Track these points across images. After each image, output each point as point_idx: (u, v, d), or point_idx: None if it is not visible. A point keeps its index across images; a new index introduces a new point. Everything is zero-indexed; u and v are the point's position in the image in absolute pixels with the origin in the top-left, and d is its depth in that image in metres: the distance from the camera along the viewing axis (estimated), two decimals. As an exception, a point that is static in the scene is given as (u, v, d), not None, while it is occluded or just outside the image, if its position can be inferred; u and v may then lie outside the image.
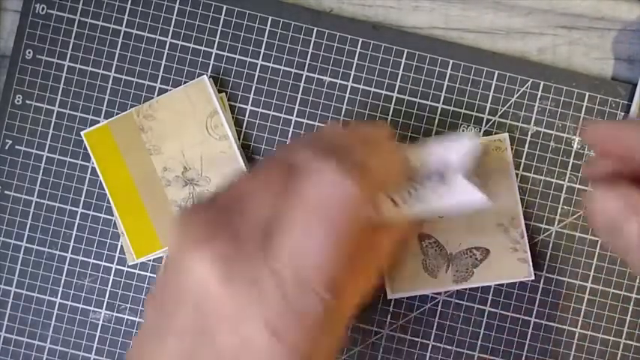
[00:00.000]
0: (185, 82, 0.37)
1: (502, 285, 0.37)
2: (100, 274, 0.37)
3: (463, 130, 0.37)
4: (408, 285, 0.36)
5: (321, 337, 0.24)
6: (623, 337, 0.36)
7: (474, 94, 0.37)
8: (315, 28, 0.37)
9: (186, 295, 0.24)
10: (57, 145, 0.37)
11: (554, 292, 0.37)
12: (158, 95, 0.37)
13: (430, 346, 0.37)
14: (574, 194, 0.36)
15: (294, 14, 0.37)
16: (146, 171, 0.36)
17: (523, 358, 0.37)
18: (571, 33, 0.37)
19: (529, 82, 0.37)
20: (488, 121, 0.37)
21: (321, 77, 0.37)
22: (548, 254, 0.37)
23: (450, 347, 0.37)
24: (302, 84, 0.37)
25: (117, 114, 0.37)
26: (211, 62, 0.37)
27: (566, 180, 0.36)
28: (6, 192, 0.37)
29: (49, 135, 0.37)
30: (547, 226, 0.37)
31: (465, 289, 0.37)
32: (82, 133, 0.37)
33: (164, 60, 0.37)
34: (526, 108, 0.37)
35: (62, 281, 0.37)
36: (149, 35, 0.37)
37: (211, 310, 0.24)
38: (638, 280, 0.36)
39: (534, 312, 0.37)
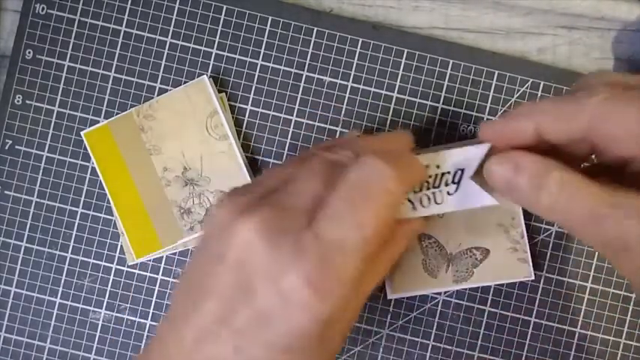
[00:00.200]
0: (185, 82, 0.37)
1: (502, 285, 0.37)
2: (100, 274, 0.37)
3: (463, 130, 0.37)
4: (408, 285, 0.36)
5: (350, 301, 0.26)
6: (623, 337, 0.36)
7: (473, 94, 0.37)
8: (315, 28, 0.37)
9: (230, 255, 0.26)
10: (57, 145, 0.37)
11: (554, 292, 0.37)
12: (158, 95, 0.37)
13: (430, 346, 0.37)
14: (574, 194, 0.36)
15: (294, 14, 0.37)
16: (146, 171, 0.36)
17: (523, 358, 0.37)
18: (571, 33, 0.37)
19: (529, 82, 0.37)
20: (488, 121, 0.37)
21: (321, 77, 0.37)
22: (548, 254, 0.37)
23: (450, 347, 0.37)
24: (302, 84, 0.37)
25: (117, 114, 0.37)
26: (211, 62, 0.37)
27: (566, 180, 0.36)
28: (6, 192, 0.37)
29: (49, 135, 0.37)
30: (547, 226, 0.37)
31: (465, 289, 0.37)
32: (82, 133, 0.37)
33: (164, 60, 0.37)
34: (526, 108, 0.37)
35: (62, 281, 0.37)
36: (149, 35, 0.37)
37: (254, 268, 0.25)
38: (638, 280, 0.36)
39: (534, 312, 0.37)
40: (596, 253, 0.37)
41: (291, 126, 0.37)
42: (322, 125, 0.37)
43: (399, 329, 0.37)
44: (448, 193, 0.29)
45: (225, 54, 0.37)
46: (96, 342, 0.37)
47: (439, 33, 0.37)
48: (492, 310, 0.37)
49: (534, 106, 0.27)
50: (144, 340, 0.37)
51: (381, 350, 0.37)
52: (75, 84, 0.37)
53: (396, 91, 0.37)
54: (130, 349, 0.37)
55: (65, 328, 0.37)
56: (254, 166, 0.37)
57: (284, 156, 0.37)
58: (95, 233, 0.37)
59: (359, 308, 0.29)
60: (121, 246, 0.37)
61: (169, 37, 0.37)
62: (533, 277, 0.36)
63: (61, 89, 0.37)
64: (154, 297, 0.37)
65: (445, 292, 0.37)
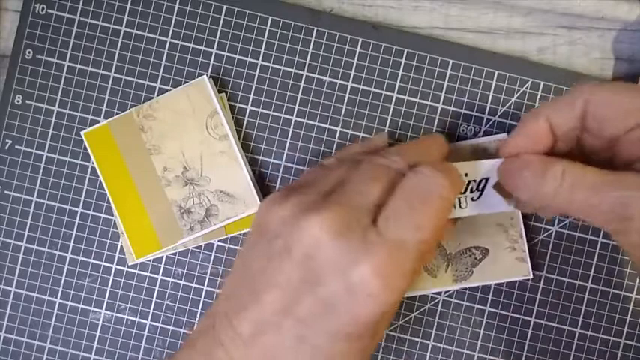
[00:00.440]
0: (185, 82, 0.37)
1: (502, 285, 0.37)
2: (100, 274, 0.37)
3: (463, 130, 0.37)
4: (408, 285, 0.36)
5: (402, 295, 0.29)
6: (623, 337, 0.36)
7: (473, 94, 0.37)
8: (315, 28, 0.37)
9: (297, 250, 0.27)
10: (57, 145, 0.37)
11: (554, 292, 0.37)
12: (158, 95, 0.37)
13: (430, 346, 0.37)
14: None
15: (294, 14, 0.37)
16: (146, 171, 0.36)
17: (523, 358, 0.37)
18: (571, 33, 0.37)
19: (529, 82, 0.37)
20: (488, 121, 0.37)
21: (321, 77, 0.37)
22: (548, 254, 0.37)
23: (450, 347, 0.37)
24: (302, 84, 0.37)
25: (117, 114, 0.37)
26: (211, 62, 0.37)
27: (566, 180, 0.36)
28: (6, 192, 0.37)
29: (49, 135, 0.37)
30: (547, 226, 0.37)
31: (465, 288, 0.37)
32: (82, 133, 0.37)
33: (164, 60, 0.37)
34: (526, 108, 0.37)
35: (62, 281, 0.37)
36: (149, 35, 0.37)
37: (322, 261, 0.27)
38: (638, 280, 0.36)
39: (534, 312, 0.37)
40: (596, 253, 0.37)
41: (291, 126, 0.37)
42: (322, 125, 0.37)
43: (398, 329, 0.37)
44: (472, 200, 0.31)
45: (225, 54, 0.37)
46: (96, 342, 0.37)
47: (439, 33, 0.37)
48: (492, 310, 0.37)
49: (540, 105, 0.30)
50: (144, 340, 0.37)
51: (381, 350, 0.37)
52: (75, 84, 0.37)
53: (396, 91, 0.37)
54: (130, 349, 0.37)
55: (65, 328, 0.37)
56: (254, 166, 0.37)
57: (284, 156, 0.37)
58: (95, 233, 0.37)
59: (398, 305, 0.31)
60: (121, 246, 0.37)
61: (169, 37, 0.37)
62: (532, 276, 0.36)
63: (61, 89, 0.37)
64: (154, 297, 0.37)
65: (445, 292, 0.37)
